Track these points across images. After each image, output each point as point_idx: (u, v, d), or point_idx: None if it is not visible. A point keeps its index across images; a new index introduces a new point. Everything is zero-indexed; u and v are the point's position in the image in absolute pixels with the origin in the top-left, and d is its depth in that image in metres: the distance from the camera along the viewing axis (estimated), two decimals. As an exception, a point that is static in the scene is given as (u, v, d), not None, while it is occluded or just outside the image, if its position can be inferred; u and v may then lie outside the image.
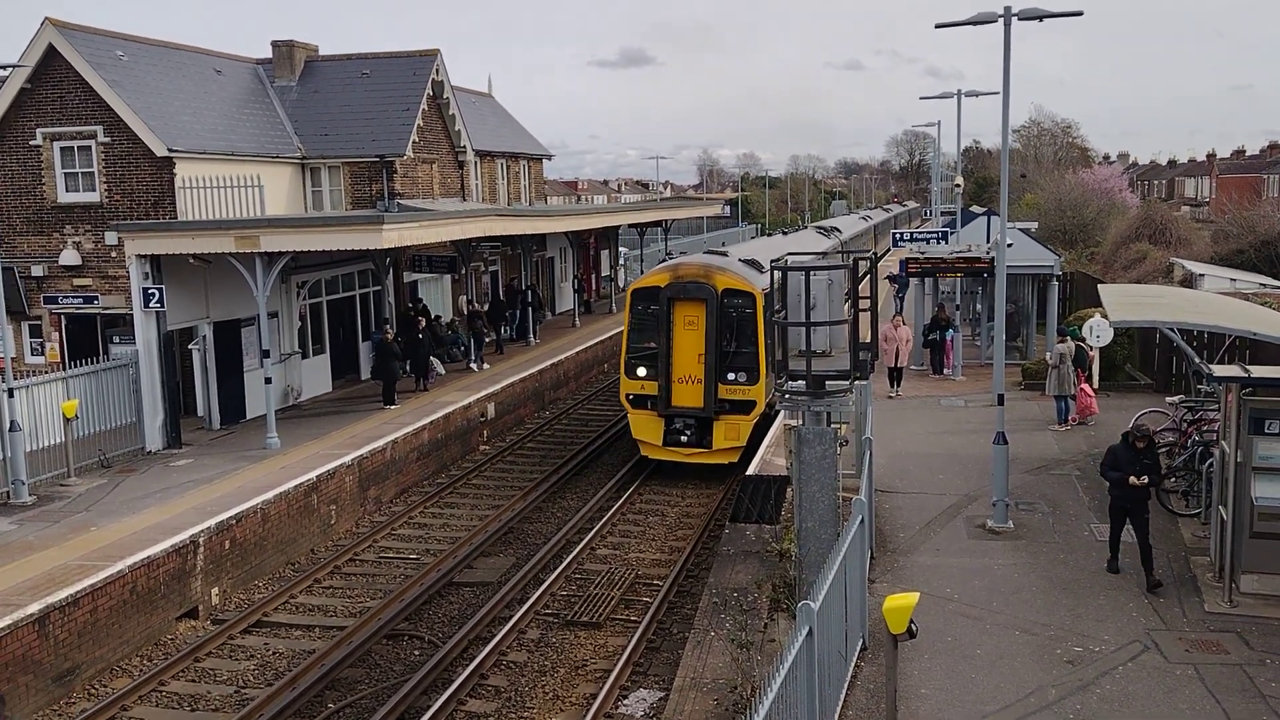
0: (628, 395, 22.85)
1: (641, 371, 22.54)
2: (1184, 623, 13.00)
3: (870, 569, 14.22)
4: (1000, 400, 17.09)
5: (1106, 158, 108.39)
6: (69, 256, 25.67)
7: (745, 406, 22.02)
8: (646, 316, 22.57)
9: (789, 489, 17.26)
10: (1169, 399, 20.96)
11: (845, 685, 11.24)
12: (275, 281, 22.21)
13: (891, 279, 40.07)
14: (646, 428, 22.72)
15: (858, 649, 12.12)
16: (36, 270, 25.82)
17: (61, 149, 25.61)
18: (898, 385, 26.83)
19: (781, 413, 22.10)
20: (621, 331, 23.38)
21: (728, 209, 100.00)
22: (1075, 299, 36.25)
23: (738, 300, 21.97)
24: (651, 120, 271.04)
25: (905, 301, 37.60)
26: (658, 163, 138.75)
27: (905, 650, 11.90)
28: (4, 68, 20.57)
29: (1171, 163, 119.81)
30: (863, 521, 12.27)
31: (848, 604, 11.18)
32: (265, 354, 22.54)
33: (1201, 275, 31.47)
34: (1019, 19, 16.36)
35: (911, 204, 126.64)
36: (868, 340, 15.23)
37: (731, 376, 21.94)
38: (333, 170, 31.66)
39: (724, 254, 25.08)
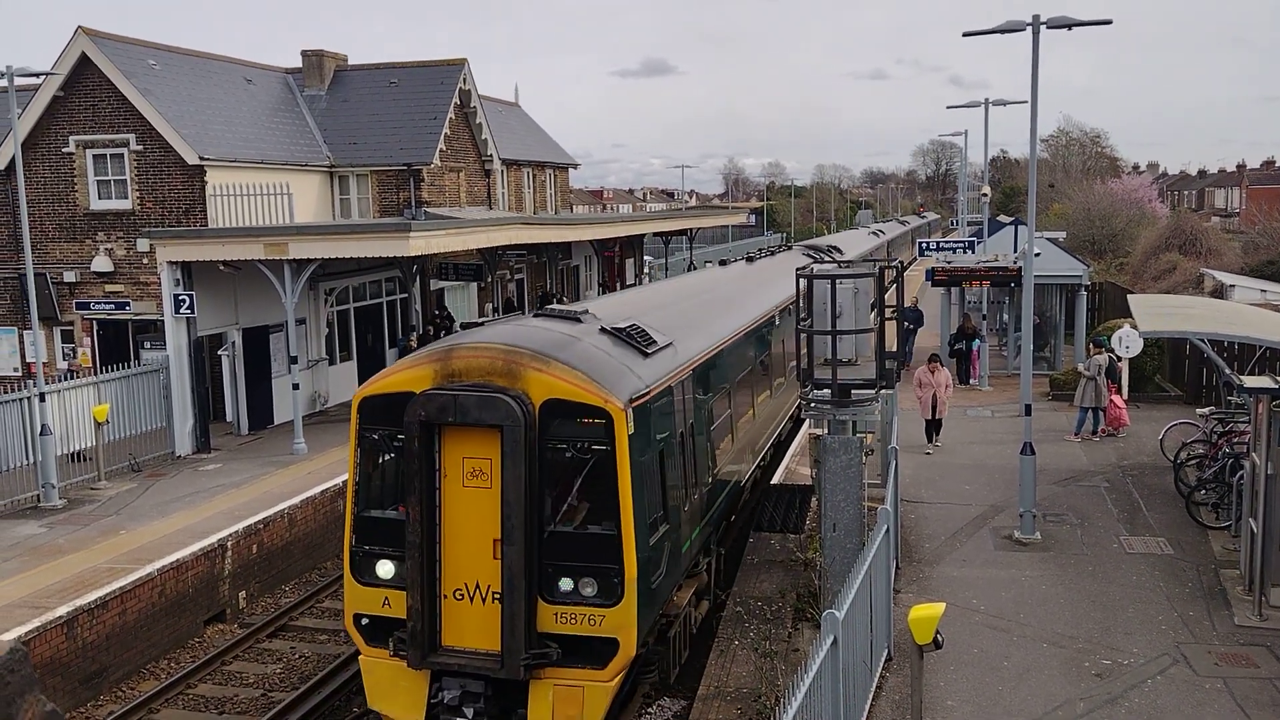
0: (358, 617, 11.33)
1: (384, 570, 11.15)
2: (1213, 636, 12.86)
3: (896, 579, 14.15)
4: (1027, 411, 16.99)
5: (1136, 168, 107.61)
6: (101, 263, 25.97)
7: (595, 652, 10.68)
8: (388, 457, 11.41)
9: (813, 498, 17.22)
10: (1199, 410, 20.76)
11: (870, 696, 11.18)
12: (303, 288, 22.41)
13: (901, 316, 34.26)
14: (390, 692, 11.10)
15: (883, 659, 12.05)
16: (69, 276, 26.14)
17: (94, 156, 25.92)
18: (936, 436, 22.54)
19: (807, 422, 21.98)
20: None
21: (753, 218, 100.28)
22: (1104, 309, 36.01)
23: (576, 425, 10.68)
24: (676, 129, 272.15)
25: (917, 338, 33.03)
26: (683, 171, 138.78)
27: (931, 661, 11.84)
28: (37, 75, 20.83)
29: (1201, 173, 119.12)
30: (888, 531, 12.23)
31: (873, 614, 11.13)
32: (293, 360, 22.74)
33: (1232, 286, 31.24)
34: (1047, 27, 16.28)
35: (932, 215, 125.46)
36: (893, 349, 15.16)
37: (566, 585, 10.72)
38: (361, 178, 31.88)
39: (576, 318, 12.51)
